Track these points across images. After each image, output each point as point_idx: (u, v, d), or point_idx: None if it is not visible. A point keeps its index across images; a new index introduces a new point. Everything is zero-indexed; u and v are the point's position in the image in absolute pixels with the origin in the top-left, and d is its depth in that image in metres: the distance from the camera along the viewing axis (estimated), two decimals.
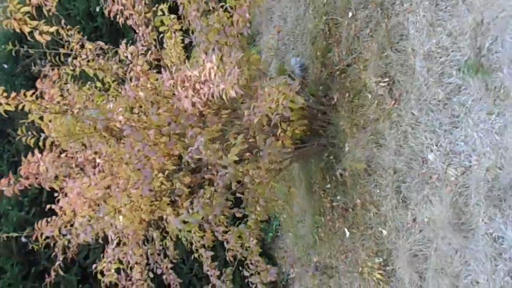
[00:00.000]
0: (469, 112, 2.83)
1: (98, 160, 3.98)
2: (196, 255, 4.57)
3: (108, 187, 3.94)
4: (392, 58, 3.59)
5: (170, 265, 4.87)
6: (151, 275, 4.63)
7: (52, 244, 4.66)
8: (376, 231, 3.91)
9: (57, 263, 4.72)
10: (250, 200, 4.14)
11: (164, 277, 5.04)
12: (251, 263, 3.99)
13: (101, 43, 4.25)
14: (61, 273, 4.76)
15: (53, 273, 5.04)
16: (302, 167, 5.54)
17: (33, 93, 3.89)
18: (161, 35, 4.22)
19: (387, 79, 3.67)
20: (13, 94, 3.87)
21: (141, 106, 3.99)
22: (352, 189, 4.29)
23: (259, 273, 3.91)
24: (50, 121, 4.13)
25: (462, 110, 2.87)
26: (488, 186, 2.68)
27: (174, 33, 4.20)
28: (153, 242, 4.61)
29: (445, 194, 3.01)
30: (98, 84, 4.45)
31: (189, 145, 3.58)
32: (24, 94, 3.98)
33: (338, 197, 4.62)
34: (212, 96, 3.44)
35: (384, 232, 3.83)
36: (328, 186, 4.82)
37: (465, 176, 2.88)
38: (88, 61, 4.28)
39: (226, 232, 4.24)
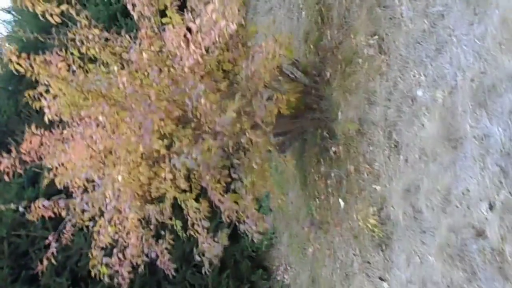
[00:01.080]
0: (453, 32, 3.04)
1: (100, 118, 4.07)
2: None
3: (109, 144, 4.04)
4: (380, 16, 3.86)
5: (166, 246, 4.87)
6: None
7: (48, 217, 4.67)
8: (370, 190, 3.99)
9: (50, 250, 4.74)
10: (247, 163, 4.26)
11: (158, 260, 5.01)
12: (247, 217, 4.02)
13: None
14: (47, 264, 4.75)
15: (45, 261, 5.01)
16: (297, 163, 5.66)
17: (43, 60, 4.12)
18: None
19: (376, 37, 3.92)
20: (24, 55, 4.09)
21: (144, 74, 4.17)
22: (345, 158, 4.41)
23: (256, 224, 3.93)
24: (54, 97, 4.28)
25: (446, 32, 3.09)
26: (473, 93, 2.84)
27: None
28: (149, 220, 4.62)
29: (434, 117, 3.15)
30: (103, 68, 4.64)
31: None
32: (34, 58, 4.20)
33: (332, 174, 4.72)
34: (214, 43, 3.66)
35: (378, 187, 3.92)
36: (323, 168, 4.94)
37: (452, 94, 3.04)
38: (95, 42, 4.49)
39: (221, 201, 4.25)
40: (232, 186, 4.16)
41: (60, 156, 4.19)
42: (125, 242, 4.23)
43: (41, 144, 4.53)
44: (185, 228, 5.19)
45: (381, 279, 3.80)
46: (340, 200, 4.50)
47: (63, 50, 4.40)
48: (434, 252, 3.15)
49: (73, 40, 4.32)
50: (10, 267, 6.28)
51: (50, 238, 4.94)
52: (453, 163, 3.01)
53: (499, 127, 2.67)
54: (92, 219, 4.45)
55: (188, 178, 4.25)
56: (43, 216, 4.72)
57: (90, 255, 4.24)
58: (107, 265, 4.18)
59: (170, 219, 4.69)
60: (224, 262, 6.74)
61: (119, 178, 4.01)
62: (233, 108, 3.88)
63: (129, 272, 4.22)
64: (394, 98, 3.67)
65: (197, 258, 4.43)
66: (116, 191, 4.08)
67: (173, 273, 5.19)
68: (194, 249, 4.66)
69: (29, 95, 4.39)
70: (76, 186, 4.28)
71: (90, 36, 4.45)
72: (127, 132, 3.90)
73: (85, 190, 4.40)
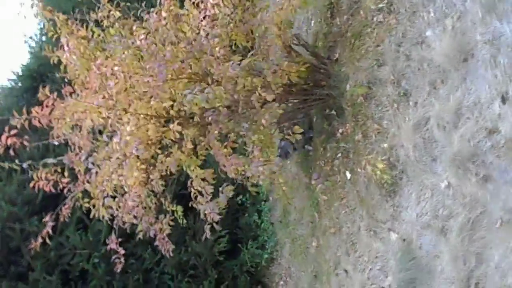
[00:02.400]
0: None
1: (116, 68, 4.12)
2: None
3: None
4: None
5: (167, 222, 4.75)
6: None
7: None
8: (379, 149, 3.95)
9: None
10: (255, 125, 4.26)
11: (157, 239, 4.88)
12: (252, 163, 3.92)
13: None
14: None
15: (40, 239, 4.91)
16: (301, 161, 5.66)
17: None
18: None
19: (385, 1, 4.08)
20: (49, 8, 4.29)
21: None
22: (353, 132, 4.41)
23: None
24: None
25: None
26: (482, 3, 2.93)
27: None
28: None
29: (444, 44, 3.21)
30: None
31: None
32: (58, 16, 4.39)
33: (339, 155, 4.70)
34: None
35: (386, 145, 3.89)
36: (329, 154, 4.92)
37: (461, 18, 3.13)
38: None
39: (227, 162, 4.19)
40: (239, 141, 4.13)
41: (70, 108, 4.20)
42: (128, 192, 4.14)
43: (52, 110, 4.56)
44: (185, 215, 5.11)
45: (389, 230, 3.66)
46: (347, 173, 4.43)
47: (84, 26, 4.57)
48: (446, 174, 3.08)
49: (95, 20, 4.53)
50: (0, 262, 6.05)
51: (47, 217, 4.84)
52: (463, 79, 3.03)
53: (509, 23, 2.72)
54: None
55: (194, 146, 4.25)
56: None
57: (92, 194, 4.12)
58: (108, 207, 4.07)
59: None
60: (222, 276, 6.48)
61: (128, 128, 4.01)
62: (245, 61, 3.97)
63: (129, 218, 4.08)
64: (403, 49, 3.75)
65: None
66: (123, 139, 4.05)
67: (171, 254, 5.01)
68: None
69: (48, 48, 4.52)
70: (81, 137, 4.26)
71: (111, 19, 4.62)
72: (140, 79, 3.95)
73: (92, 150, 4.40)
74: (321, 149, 5.07)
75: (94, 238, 6.24)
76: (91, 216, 4.78)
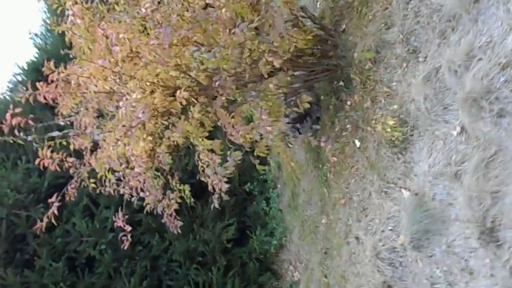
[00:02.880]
0: None
1: (121, 35, 4.10)
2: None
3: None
4: None
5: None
6: None
7: None
8: (389, 109, 3.88)
9: None
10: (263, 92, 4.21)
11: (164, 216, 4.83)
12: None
13: None
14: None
15: (45, 220, 4.88)
16: (310, 148, 5.58)
17: None
18: None
19: None
20: None
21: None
22: (361, 100, 4.35)
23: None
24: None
25: None
26: None
27: None
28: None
29: None
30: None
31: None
32: None
33: (348, 126, 4.63)
34: None
35: (395, 106, 3.82)
36: (337, 128, 4.86)
37: None
38: None
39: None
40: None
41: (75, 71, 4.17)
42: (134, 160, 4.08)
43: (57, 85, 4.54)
44: (193, 195, 5.05)
45: (401, 188, 3.58)
46: (356, 141, 4.36)
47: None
48: (458, 121, 3.01)
49: None
50: (5, 249, 5.98)
51: (53, 198, 4.80)
52: (475, 21, 2.96)
53: None
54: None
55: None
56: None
57: (98, 170, 4.08)
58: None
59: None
60: (231, 264, 6.38)
61: (134, 95, 3.97)
62: (253, 24, 3.93)
63: (136, 184, 4.02)
64: (412, 6, 3.70)
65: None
66: (129, 105, 4.00)
67: (179, 230, 4.93)
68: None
69: (54, 22, 4.51)
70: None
71: None
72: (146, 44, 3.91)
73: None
74: (330, 123, 5.01)
75: (101, 225, 6.17)
76: (97, 191, 4.75)
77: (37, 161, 4.70)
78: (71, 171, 4.81)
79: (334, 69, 4.69)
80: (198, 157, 4.35)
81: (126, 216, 4.99)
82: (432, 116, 3.25)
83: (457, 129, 3.02)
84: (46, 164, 4.61)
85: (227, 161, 4.13)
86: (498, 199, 2.63)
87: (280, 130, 3.77)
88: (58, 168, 4.65)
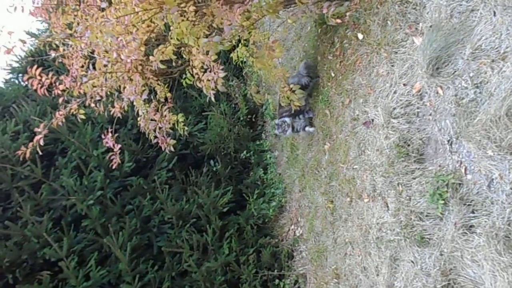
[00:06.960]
0: None
1: None
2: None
3: None
4: None
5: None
6: None
7: None
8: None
9: None
10: None
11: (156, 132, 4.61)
12: None
13: None
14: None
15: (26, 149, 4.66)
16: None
17: None
18: None
19: None
20: None
21: None
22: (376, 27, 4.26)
23: None
24: None
25: None
26: None
27: None
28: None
29: None
30: None
31: None
32: None
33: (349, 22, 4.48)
34: None
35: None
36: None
37: None
38: None
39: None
40: None
41: None
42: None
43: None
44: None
45: (411, 36, 3.38)
46: (359, 34, 4.19)
47: None
48: None
49: None
50: None
51: (41, 127, 4.57)
52: None
53: None
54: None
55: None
56: None
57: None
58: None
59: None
60: (227, 228, 5.95)
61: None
62: None
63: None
64: None
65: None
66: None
67: (172, 149, 4.63)
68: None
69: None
70: None
71: None
72: None
73: None
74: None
75: (90, 183, 5.80)
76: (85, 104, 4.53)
77: (25, 78, 4.51)
78: (60, 100, 4.61)
79: None
80: (191, 65, 4.20)
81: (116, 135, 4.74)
82: None
83: None
84: (34, 86, 4.40)
85: None
86: None
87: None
88: (46, 93, 4.45)
